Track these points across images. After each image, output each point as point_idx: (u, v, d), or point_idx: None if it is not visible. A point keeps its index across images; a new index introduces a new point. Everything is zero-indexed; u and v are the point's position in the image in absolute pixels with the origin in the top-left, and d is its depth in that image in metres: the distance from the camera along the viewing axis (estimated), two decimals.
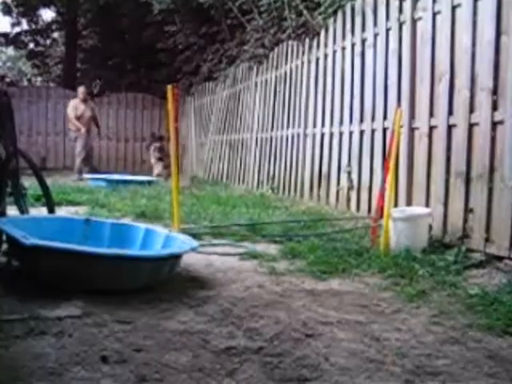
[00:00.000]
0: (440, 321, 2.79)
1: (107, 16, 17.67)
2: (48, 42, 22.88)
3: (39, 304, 2.70)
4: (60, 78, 21.21)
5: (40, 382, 1.92)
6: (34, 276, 3.12)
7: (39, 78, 25.27)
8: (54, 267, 2.93)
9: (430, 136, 4.81)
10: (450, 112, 4.54)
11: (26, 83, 25.30)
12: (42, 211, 4.90)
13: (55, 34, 22.72)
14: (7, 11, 20.23)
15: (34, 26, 21.54)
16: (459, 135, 4.43)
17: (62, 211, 5.89)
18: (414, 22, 5.14)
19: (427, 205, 4.78)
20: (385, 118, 5.58)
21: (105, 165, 16.11)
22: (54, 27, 21.94)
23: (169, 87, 4.44)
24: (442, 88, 4.66)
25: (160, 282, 3.20)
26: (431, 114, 4.80)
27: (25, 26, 21.40)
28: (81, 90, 12.50)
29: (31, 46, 22.24)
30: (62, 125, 16.04)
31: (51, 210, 4.33)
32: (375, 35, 5.85)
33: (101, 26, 19.20)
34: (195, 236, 4.28)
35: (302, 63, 7.80)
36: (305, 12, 8.59)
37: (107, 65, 19.31)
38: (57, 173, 13.00)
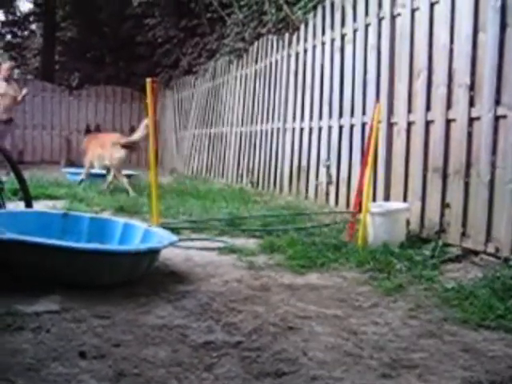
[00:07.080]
0: (417, 314, 2.83)
1: (86, 8, 17.49)
2: (26, 33, 22.60)
3: (17, 299, 2.67)
4: (38, 71, 20.95)
5: (17, 378, 1.91)
6: (11, 271, 3.09)
7: (16, 71, 24.94)
8: (31, 262, 2.91)
9: (408, 131, 4.84)
10: (428, 108, 4.58)
11: None
12: (20, 205, 4.86)
13: (33, 26, 22.44)
14: None
15: (11, 18, 21.26)
16: (437, 131, 4.47)
17: (39, 205, 5.83)
18: (393, 18, 5.17)
19: (405, 200, 4.82)
20: (364, 113, 5.61)
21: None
22: (31, 19, 21.68)
23: (147, 81, 4.41)
24: (420, 84, 4.70)
25: (139, 277, 3.19)
26: (409, 110, 4.84)
27: (1, 17, 21.20)
28: (5, 66, 10.79)
29: (8, 37, 21.96)
30: (40, 118, 15.89)
31: (29, 204, 4.29)
32: (354, 31, 5.87)
33: (79, 18, 18.98)
34: (174, 230, 4.27)
35: (282, 58, 7.81)
36: (285, 6, 8.56)
37: (86, 57, 19.12)
38: (34, 166, 12.84)
